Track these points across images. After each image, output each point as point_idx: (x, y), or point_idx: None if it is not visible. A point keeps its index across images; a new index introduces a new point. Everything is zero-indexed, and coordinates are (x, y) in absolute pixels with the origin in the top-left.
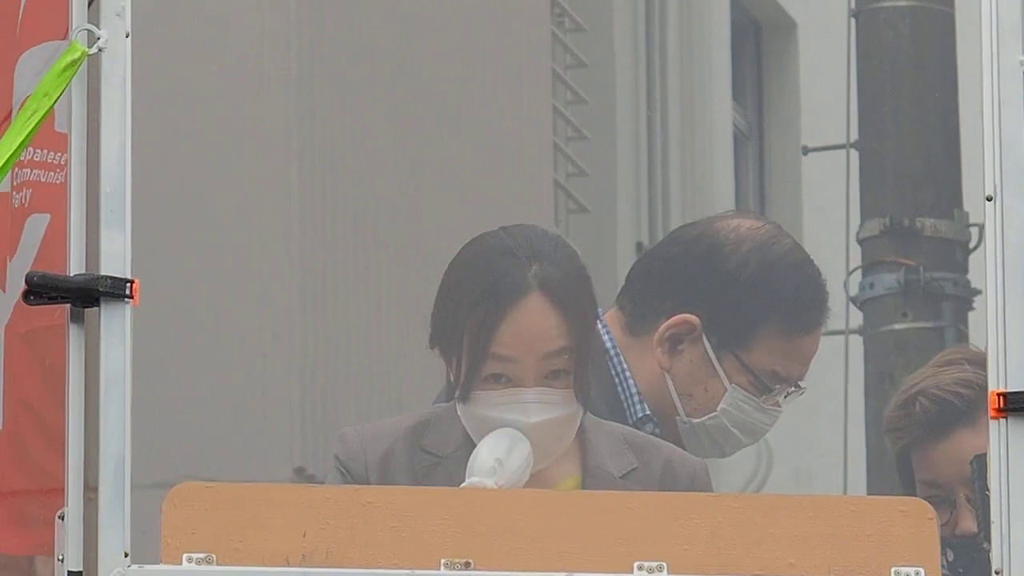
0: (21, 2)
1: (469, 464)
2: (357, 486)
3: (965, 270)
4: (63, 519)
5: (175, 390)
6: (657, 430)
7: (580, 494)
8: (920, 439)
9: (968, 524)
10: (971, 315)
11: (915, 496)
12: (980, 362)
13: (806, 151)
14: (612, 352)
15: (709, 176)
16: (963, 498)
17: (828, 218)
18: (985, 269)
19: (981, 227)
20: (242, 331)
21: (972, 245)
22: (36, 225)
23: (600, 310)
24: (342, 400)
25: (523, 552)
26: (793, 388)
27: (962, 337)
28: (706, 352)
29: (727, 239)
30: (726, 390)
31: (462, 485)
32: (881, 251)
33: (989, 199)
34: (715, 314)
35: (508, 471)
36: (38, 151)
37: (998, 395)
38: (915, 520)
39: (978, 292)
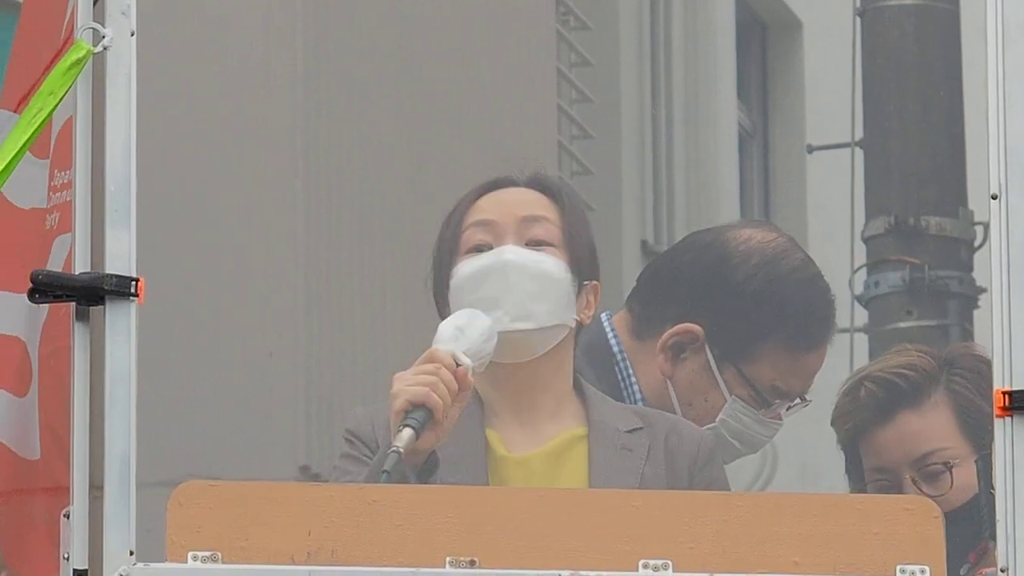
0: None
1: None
2: (362, 484)
3: (970, 268)
4: (68, 517)
5: (180, 388)
6: None
7: (585, 492)
8: (866, 423)
9: None
10: (976, 313)
11: (865, 487)
12: (928, 351)
13: (811, 150)
14: (619, 356)
15: (714, 175)
16: (910, 480)
17: (833, 217)
18: (990, 267)
19: (986, 225)
20: (247, 330)
21: (977, 243)
22: (62, 245)
23: (608, 313)
24: (347, 399)
25: (528, 550)
26: (797, 401)
27: (967, 335)
28: (708, 362)
29: (737, 250)
30: (726, 401)
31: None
32: (886, 249)
33: (994, 197)
34: (719, 325)
35: (470, 338)
36: (68, 173)
37: (1003, 393)
38: (921, 518)
39: (983, 290)
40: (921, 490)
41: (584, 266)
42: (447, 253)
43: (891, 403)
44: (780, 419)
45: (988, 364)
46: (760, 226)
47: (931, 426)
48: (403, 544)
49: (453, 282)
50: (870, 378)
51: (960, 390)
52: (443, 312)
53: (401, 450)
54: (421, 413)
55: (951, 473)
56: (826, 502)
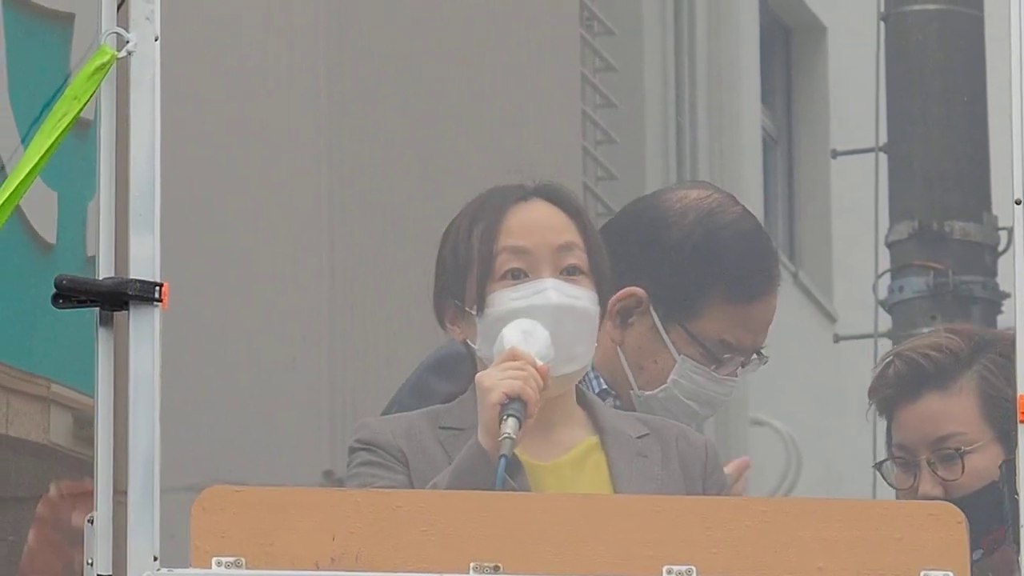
0: None
1: (496, 350)
2: (386, 489)
3: (994, 273)
4: (92, 523)
5: (204, 394)
6: (618, 403)
7: (608, 497)
8: (892, 400)
9: (929, 488)
10: (1000, 318)
11: (889, 458)
12: (962, 333)
13: (835, 155)
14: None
15: (738, 179)
16: (925, 462)
17: (857, 222)
18: (1014, 272)
19: (1010, 230)
20: (271, 334)
21: (1001, 248)
22: None
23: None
24: (371, 403)
25: (551, 556)
26: (754, 357)
27: None
28: (654, 324)
29: (672, 209)
30: (675, 362)
31: (496, 355)
32: (910, 254)
33: (1018, 202)
34: (661, 285)
35: (538, 342)
36: None
37: None
38: (944, 524)
39: (1007, 295)
40: (936, 472)
41: (607, 285)
42: (476, 275)
43: (916, 382)
44: (735, 376)
45: None
46: (696, 186)
47: (953, 409)
48: (427, 549)
49: (490, 311)
50: (900, 356)
51: (989, 376)
52: (447, 324)
53: (513, 436)
54: (518, 404)
55: (963, 460)
56: (850, 507)
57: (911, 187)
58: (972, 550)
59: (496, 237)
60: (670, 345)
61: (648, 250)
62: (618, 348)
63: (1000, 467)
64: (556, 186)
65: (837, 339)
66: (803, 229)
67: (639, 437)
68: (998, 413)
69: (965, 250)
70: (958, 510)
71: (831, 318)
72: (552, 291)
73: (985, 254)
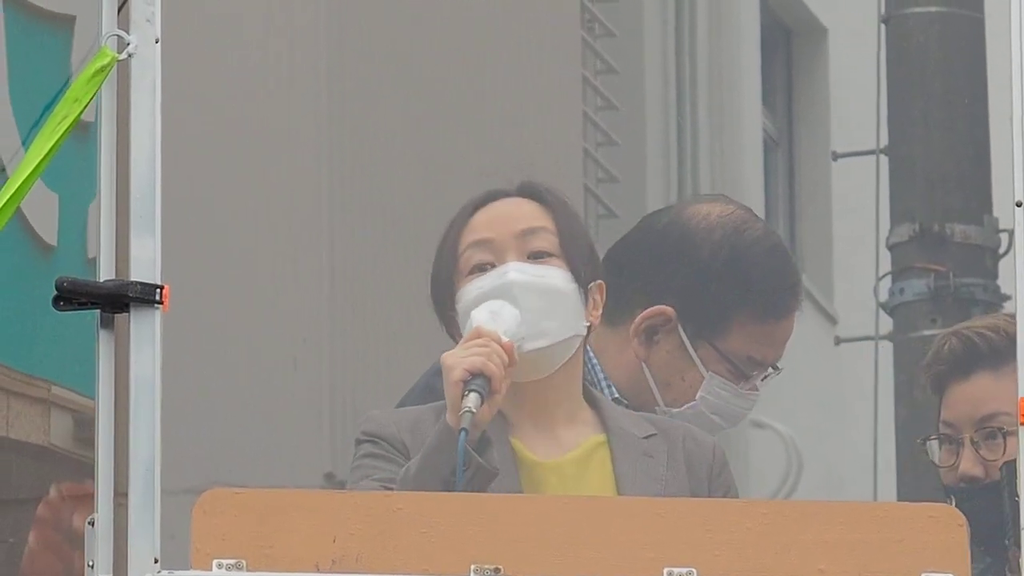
0: None
1: (465, 330)
2: (387, 492)
3: (995, 276)
4: (93, 525)
5: (205, 395)
6: None
7: (609, 499)
8: (945, 377)
9: (970, 467)
10: None
11: (936, 434)
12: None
13: (836, 157)
14: (591, 355)
15: (739, 181)
16: (968, 440)
17: (858, 224)
18: (1015, 275)
19: (1011, 233)
20: (272, 336)
21: (1002, 251)
22: None
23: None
24: (372, 405)
25: (553, 558)
26: (771, 370)
27: None
28: (682, 341)
29: (698, 227)
30: (703, 378)
31: (464, 335)
32: (911, 257)
33: (1019, 205)
34: (689, 303)
35: (506, 321)
36: None
37: None
38: (945, 526)
39: (1008, 298)
40: (978, 451)
41: (585, 269)
42: (448, 276)
43: (969, 361)
44: (756, 390)
45: None
46: (715, 200)
47: (1003, 390)
48: (428, 552)
49: (460, 306)
50: (957, 334)
51: None
52: (451, 332)
53: (474, 410)
54: (481, 380)
55: (1005, 440)
56: (851, 510)
57: (912, 189)
58: (1005, 536)
59: (460, 237)
60: (698, 362)
61: (676, 268)
62: (643, 365)
63: (1000, 469)
64: (538, 184)
65: (838, 341)
66: (804, 231)
67: (645, 437)
68: None
69: (966, 252)
70: (959, 513)
71: (832, 320)
72: (513, 272)
73: (986, 256)
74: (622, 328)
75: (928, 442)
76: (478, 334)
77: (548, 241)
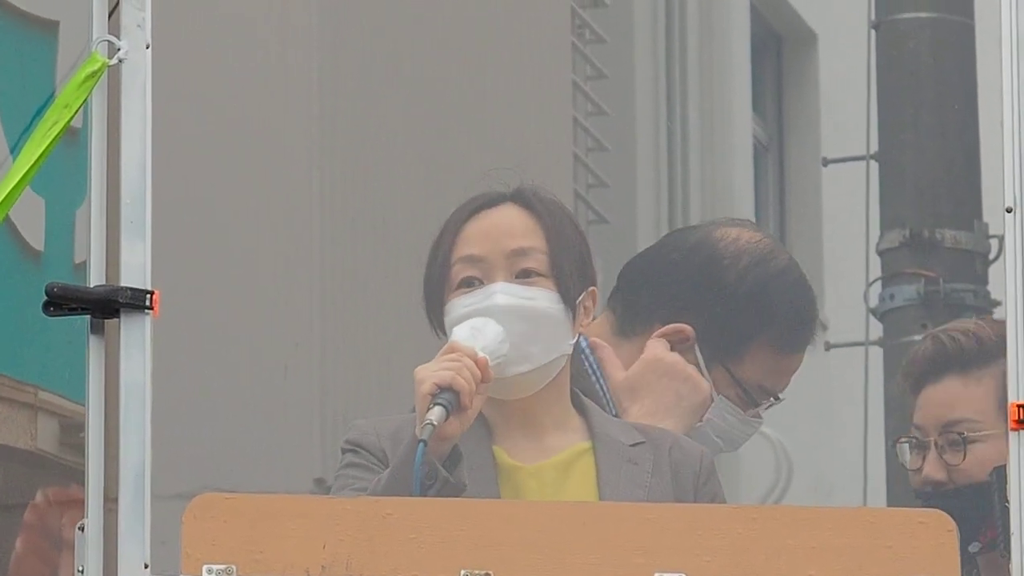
0: None
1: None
2: (376, 498)
3: (985, 281)
4: (83, 530)
5: (195, 401)
6: None
7: (599, 505)
8: (920, 380)
9: (933, 471)
10: None
11: (904, 440)
12: (999, 323)
13: (826, 162)
14: (587, 351)
15: (729, 187)
16: (934, 444)
17: (848, 229)
18: (1005, 280)
19: (1001, 238)
20: (263, 341)
21: (992, 256)
22: None
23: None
24: (363, 411)
25: (542, 563)
26: (773, 399)
27: None
28: (697, 362)
29: (727, 251)
30: (712, 401)
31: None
32: (901, 262)
33: (1009, 210)
34: (710, 326)
35: (486, 336)
36: None
37: (1018, 407)
38: (935, 532)
39: (998, 303)
40: (942, 456)
41: (576, 283)
42: (438, 286)
43: (939, 363)
44: (760, 417)
45: None
46: (744, 225)
47: (970, 396)
48: (417, 557)
49: (447, 319)
50: (932, 336)
51: None
52: (436, 330)
53: (435, 423)
54: (449, 394)
55: (967, 446)
56: (840, 515)
57: (902, 195)
58: (969, 543)
59: (453, 248)
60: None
61: (699, 288)
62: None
63: (990, 474)
64: (532, 189)
65: (828, 347)
66: (794, 236)
67: (632, 445)
68: None
69: (956, 258)
70: (949, 518)
71: (822, 325)
72: (500, 294)
73: (976, 262)
74: (637, 340)
75: (899, 444)
76: (452, 349)
77: (538, 261)
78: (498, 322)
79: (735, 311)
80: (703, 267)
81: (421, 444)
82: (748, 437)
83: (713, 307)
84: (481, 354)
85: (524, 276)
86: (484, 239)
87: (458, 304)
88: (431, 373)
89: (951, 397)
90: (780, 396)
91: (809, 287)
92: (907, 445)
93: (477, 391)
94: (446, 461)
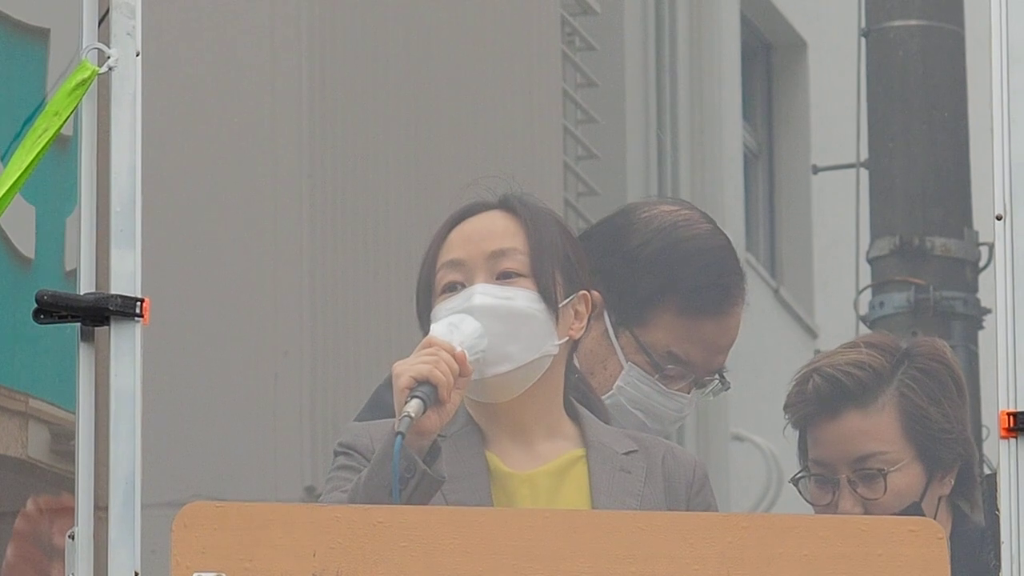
0: None
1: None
2: (367, 506)
3: (975, 289)
4: (73, 539)
5: (185, 409)
6: None
7: (590, 513)
8: (811, 416)
9: (849, 507)
10: (981, 334)
11: (808, 474)
12: (882, 346)
13: (816, 170)
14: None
15: (719, 195)
16: (845, 480)
17: (838, 237)
18: (995, 288)
19: (991, 246)
20: (253, 350)
21: (982, 264)
22: None
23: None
24: (353, 419)
25: (534, 571)
26: (715, 380)
27: (972, 356)
28: (606, 329)
29: (639, 218)
30: (623, 368)
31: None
32: (891, 270)
33: (999, 218)
34: (615, 291)
35: (463, 332)
36: None
37: (1008, 415)
38: (925, 539)
39: (988, 311)
40: (856, 491)
41: (562, 284)
42: (425, 292)
43: (836, 400)
44: (687, 393)
45: (945, 364)
46: (674, 202)
47: (874, 428)
48: (408, 565)
49: (432, 324)
50: (819, 372)
51: (909, 394)
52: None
53: (412, 415)
54: (427, 388)
55: (885, 480)
56: (830, 523)
57: (892, 203)
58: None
59: (438, 254)
60: (619, 351)
61: (608, 255)
62: (573, 353)
63: (981, 483)
64: (519, 196)
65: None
66: (784, 244)
67: (626, 453)
68: (919, 431)
69: (946, 266)
70: (939, 526)
71: (812, 333)
72: (478, 295)
73: (966, 270)
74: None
75: (799, 481)
76: (429, 343)
77: (517, 262)
78: (476, 319)
79: (638, 274)
80: (614, 234)
81: (399, 437)
82: (678, 416)
83: (618, 272)
84: (459, 348)
85: (504, 277)
86: (466, 243)
87: (442, 309)
88: (408, 367)
89: (855, 432)
90: (725, 377)
91: (731, 254)
92: (809, 481)
93: (456, 385)
94: (426, 456)
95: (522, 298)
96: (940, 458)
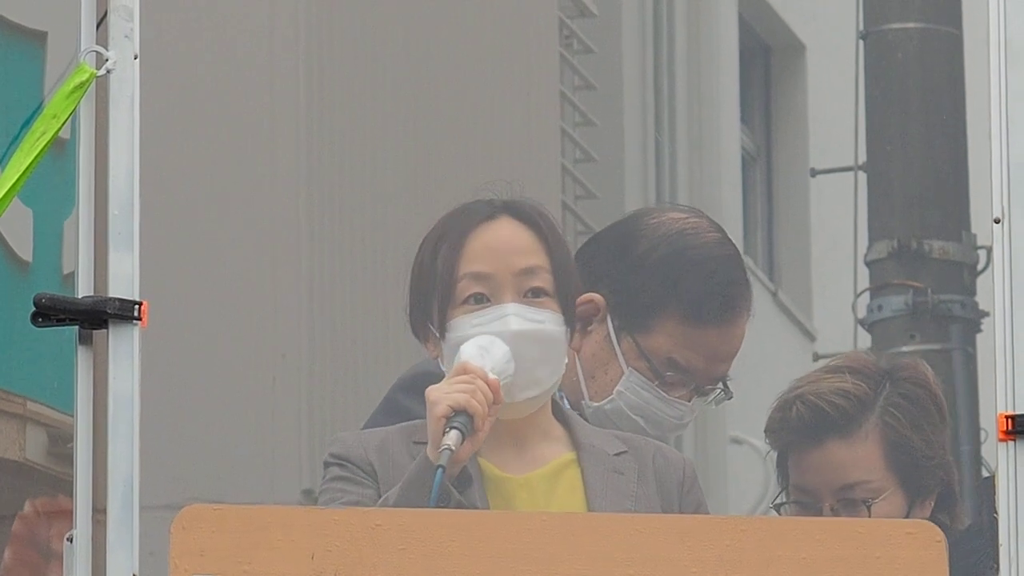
0: None
1: (453, 362)
2: (365, 508)
3: (973, 292)
4: (72, 541)
5: (183, 412)
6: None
7: (588, 516)
8: (794, 444)
9: None
10: (979, 337)
11: (789, 500)
12: (864, 372)
13: (814, 173)
14: None
15: (717, 198)
16: (828, 508)
17: (836, 240)
18: (993, 291)
19: (989, 249)
20: (251, 353)
21: (980, 267)
22: None
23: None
24: (350, 423)
25: (531, 574)
26: (719, 389)
27: (970, 359)
28: (609, 333)
29: (647, 225)
30: (623, 373)
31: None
32: (889, 273)
33: (997, 221)
34: (619, 295)
35: (494, 357)
36: None
37: (1006, 418)
38: (923, 542)
39: (986, 314)
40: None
41: (573, 299)
42: (439, 298)
43: (819, 429)
44: (688, 400)
45: (926, 388)
46: (685, 211)
47: (857, 457)
48: (407, 568)
49: (451, 335)
50: (802, 399)
51: (891, 422)
52: (421, 341)
53: (453, 447)
54: (463, 418)
55: (869, 510)
56: (829, 526)
57: (890, 206)
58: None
59: (458, 262)
60: (620, 356)
61: (615, 260)
62: (576, 356)
63: (979, 486)
64: (524, 203)
65: (816, 358)
66: (782, 247)
67: (616, 454)
68: (901, 459)
69: (944, 269)
70: (937, 528)
71: (810, 337)
72: (513, 316)
73: (964, 273)
74: None
75: (780, 508)
76: (464, 370)
77: (544, 280)
78: (506, 342)
79: (643, 280)
80: (620, 240)
81: (440, 470)
82: (679, 423)
83: (623, 277)
84: (492, 375)
85: (534, 295)
86: (491, 256)
87: (466, 322)
88: (445, 395)
89: (839, 461)
90: (728, 386)
91: (738, 265)
92: (791, 507)
93: (488, 413)
94: (456, 482)
95: (551, 321)
96: (922, 484)
